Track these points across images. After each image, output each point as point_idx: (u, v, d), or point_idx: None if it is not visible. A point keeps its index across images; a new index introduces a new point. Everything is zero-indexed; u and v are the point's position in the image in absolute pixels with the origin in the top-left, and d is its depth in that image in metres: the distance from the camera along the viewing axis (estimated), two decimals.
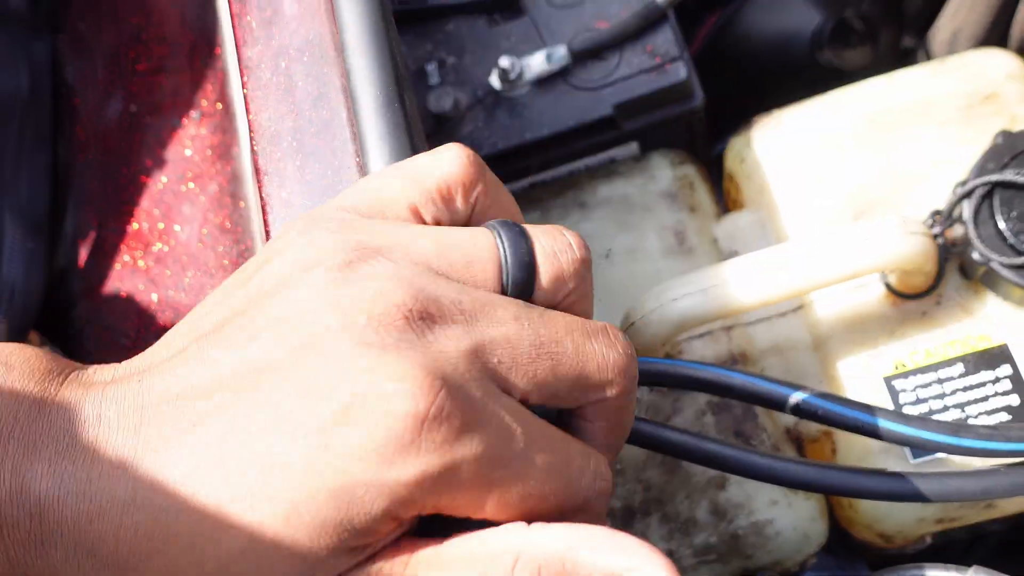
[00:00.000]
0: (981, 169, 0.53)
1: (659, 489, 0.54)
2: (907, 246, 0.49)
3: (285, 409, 0.25)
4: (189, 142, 0.58)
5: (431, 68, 0.62)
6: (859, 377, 0.54)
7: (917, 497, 0.43)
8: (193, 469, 0.25)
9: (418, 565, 0.26)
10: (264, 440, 0.25)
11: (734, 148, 0.61)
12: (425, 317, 0.26)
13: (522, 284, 0.30)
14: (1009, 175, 0.51)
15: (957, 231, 0.53)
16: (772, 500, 0.53)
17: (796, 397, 0.45)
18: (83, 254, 0.62)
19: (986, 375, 0.52)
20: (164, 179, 0.58)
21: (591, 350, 0.29)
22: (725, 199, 0.64)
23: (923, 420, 0.43)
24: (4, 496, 0.25)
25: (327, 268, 0.27)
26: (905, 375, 0.53)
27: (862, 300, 0.55)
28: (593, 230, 0.60)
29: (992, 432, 0.43)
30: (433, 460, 0.25)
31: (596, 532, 0.26)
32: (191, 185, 0.58)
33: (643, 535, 0.53)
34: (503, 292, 0.30)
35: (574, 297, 0.31)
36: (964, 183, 0.52)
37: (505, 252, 0.30)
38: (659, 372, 0.47)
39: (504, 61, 0.59)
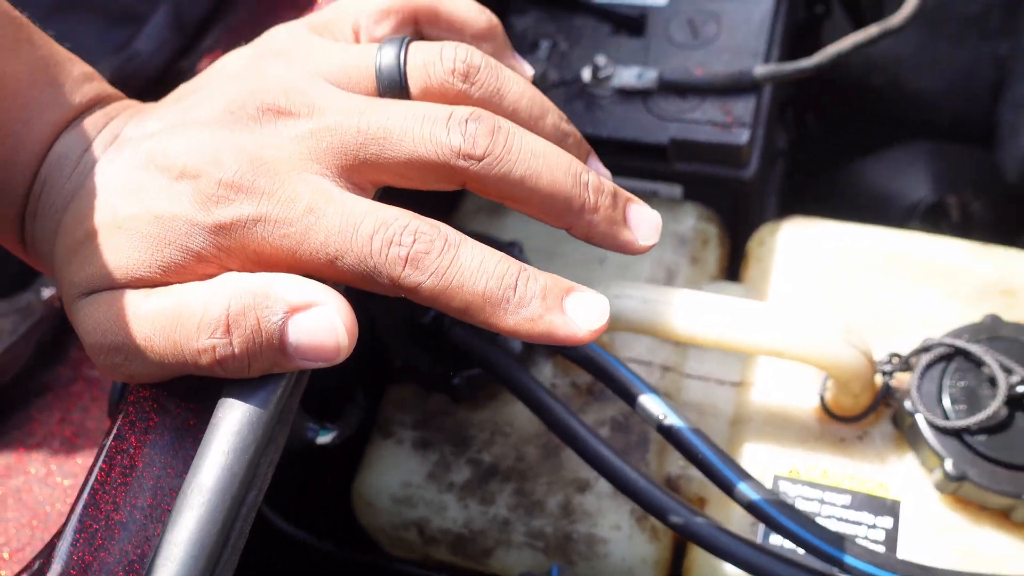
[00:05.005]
0: (955, 335, 0.53)
1: (529, 465, 0.56)
2: (840, 353, 0.50)
3: (154, 165, 0.33)
4: None
5: (544, 45, 0.68)
6: (754, 463, 0.54)
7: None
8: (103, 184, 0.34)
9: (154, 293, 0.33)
10: (138, 176, 0.34)
11: (762, 231, 0.63)
12: (274, 111, 0.33)
13: (392, 91, 0.34)
14: (973, 347, 0.51)
15: (905, 379, 0.54)
16: (616, 525, 0.54)
17: (663, 413, 0.47)
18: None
19: (866, 517, 0.52)
20: None
21: (420, 133, 0.32)
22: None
23: (783, 505, 0.45)
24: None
25: (248, 57, 0.37)
26: (795, 481, 0.54)
27: (795, 404, 0.56)
28: None
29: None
30: (228, 212, 0.32)
31: (293, 277, 0.31)
32: None
33: (491, 495, 0.55)
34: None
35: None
36: (932, 339, 0.53)
37: (379, 63, 0.34)
38: (584, 355, 0.51)
39: (600, 59, 0.64)
